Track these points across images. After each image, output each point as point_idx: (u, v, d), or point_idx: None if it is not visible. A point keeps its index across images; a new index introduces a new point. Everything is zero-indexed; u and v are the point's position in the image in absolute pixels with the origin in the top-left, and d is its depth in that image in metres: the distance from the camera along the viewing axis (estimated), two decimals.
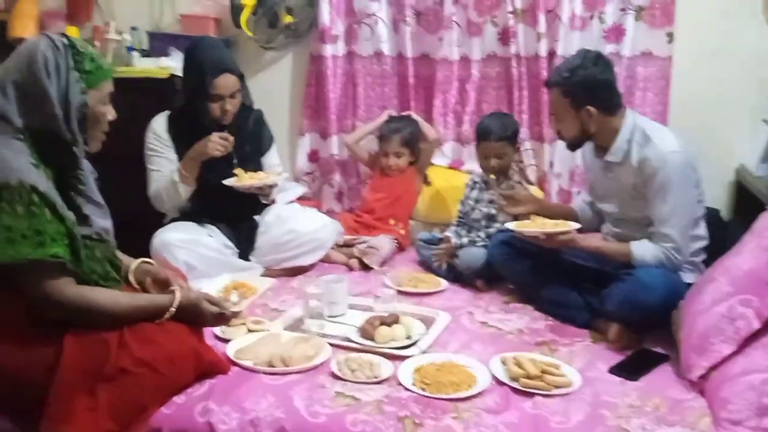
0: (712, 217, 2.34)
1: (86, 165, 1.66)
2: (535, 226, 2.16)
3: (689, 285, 2.02)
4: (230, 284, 2.22)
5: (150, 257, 1.97)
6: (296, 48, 3.20)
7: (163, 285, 1.75)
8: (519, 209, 2.38)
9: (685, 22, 2.82)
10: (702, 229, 2.20)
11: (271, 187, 2.54)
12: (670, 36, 2.83)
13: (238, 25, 3.07)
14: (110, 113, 1.68)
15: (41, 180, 1.51)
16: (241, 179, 2.47)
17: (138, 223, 2.33)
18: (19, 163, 1.49)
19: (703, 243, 2.20)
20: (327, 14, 3.03)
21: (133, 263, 1.79)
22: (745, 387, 1.55)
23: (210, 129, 2.49)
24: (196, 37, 2.70)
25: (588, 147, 2.31)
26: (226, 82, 2.45)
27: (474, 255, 2.49)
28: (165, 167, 2.53)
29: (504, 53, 2.98)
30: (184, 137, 2.53)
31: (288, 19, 3.06)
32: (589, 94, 2.14)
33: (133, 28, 3.22)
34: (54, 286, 1.49)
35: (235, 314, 1.77)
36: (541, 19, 2.86)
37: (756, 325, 1.65)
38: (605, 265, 2.22)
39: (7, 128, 1.53)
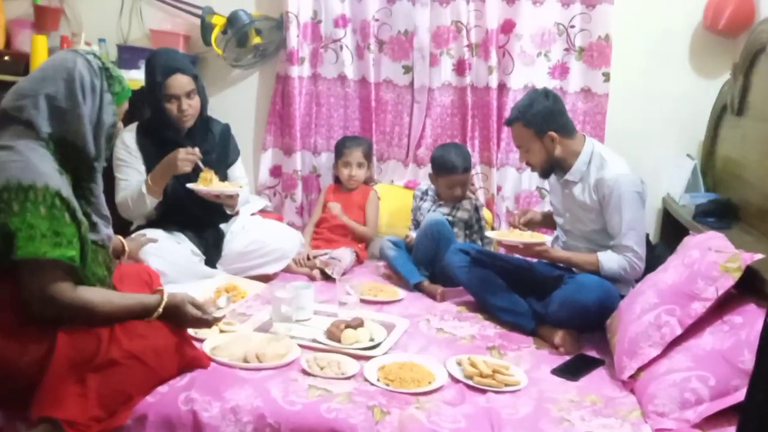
0: None
1: (100, 180, 1.75)
2: (514, 236, 2.37)
3: (623, 296, 2.26)
4: (223, 286, 2.28)
5: None
6: (263, 67, 3.32)
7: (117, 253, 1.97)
8: (528, 216, 2.63)
9: (619, 64, 3.09)
10: None
11: (231, 197, 2.60)
12: (606, 75, 3.10)
13: (207, 43, 3.17)
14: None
15: (64, 185, 1.59)
16: (205, 183, 2.51)
17: None
18: (44, 167, 1.57)
19: None
20: (295, 38, 3.18)
21: None
22: (668, 384, 1.77)
23: (176, 140, 2.55)
24: (154, 49, 2.78)
25: None
26: (178, 81, 2.54)
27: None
28: (132, 177, 2.58)
29: (459, 83, 3.20)
30: (151, 148, 2.61)
31: (257, 39, 3.19)
32: (547, 121, 2.41)
33: (101, 40, 3.29)
34: (58, 287, 1.55)
35: (217, 320, 1.84)
36: (493, 54, 3.10)
37: (678, 331, 1.87)
38: (554, 272, 2.46)
39: (31, 134, 1.60)
